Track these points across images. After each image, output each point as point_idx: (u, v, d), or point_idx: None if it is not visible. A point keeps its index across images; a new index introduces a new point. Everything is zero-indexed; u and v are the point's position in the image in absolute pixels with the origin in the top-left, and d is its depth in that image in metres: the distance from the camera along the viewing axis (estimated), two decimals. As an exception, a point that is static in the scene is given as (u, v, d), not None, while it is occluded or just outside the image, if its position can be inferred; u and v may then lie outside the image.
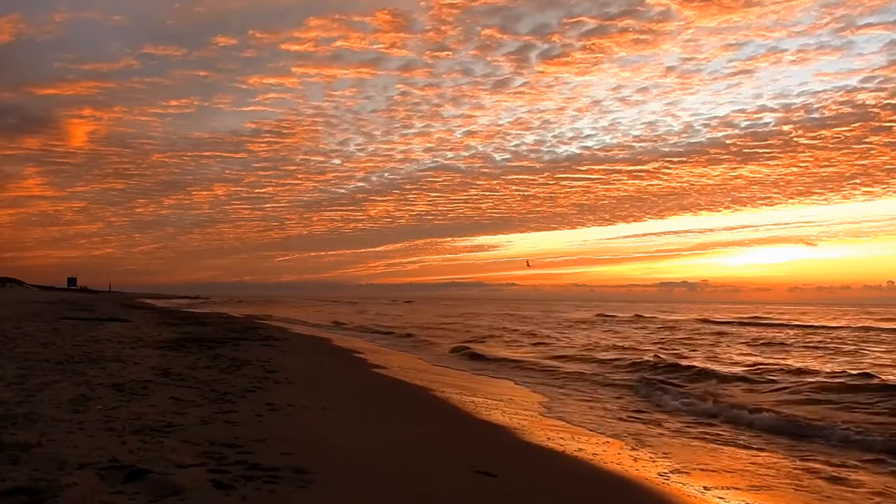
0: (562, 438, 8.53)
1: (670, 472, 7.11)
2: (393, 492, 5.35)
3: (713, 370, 16.70)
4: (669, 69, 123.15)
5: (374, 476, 5.70)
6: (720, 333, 33.19)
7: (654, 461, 7.65)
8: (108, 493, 4.54)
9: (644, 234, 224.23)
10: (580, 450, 7.87)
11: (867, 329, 37.12)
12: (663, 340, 28.90)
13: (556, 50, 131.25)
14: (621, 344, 26.15)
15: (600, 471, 7.00)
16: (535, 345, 26.17)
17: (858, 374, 15.45)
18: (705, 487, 6.60)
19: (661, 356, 20.10)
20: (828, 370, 16.90)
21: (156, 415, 7.33)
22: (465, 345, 24.38)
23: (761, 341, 28.03)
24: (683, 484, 6.66)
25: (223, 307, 70.52)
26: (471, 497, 5.48)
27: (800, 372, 16.48)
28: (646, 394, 13.44)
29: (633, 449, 8.29)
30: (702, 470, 7.40)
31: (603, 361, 19.35)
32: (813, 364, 18.69)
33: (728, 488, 6.67)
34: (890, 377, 15.07)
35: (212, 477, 5.03)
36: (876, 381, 14.33)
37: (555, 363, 19.15)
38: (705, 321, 46.69)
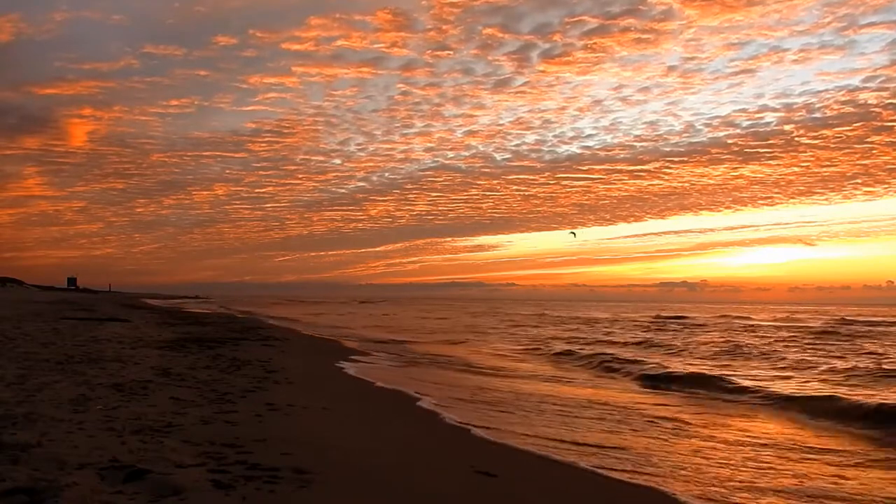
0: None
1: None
2: (393, 492, 5.35)
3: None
4: (671, 68, 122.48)
5: (374, 476, 5.70)
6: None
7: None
8: (108, 493, 4.54)
9: (644, 234, 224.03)
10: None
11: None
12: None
13: (557, 49, 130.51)
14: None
15: (601, 469, 6.99)
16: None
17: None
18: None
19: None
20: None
21: (156, 415, 7.33)
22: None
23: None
24: (687, 482, 6.66)
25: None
26: (471, 497, 5.48)
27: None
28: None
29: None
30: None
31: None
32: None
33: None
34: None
35: (212, 477, 5.03)
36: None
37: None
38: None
